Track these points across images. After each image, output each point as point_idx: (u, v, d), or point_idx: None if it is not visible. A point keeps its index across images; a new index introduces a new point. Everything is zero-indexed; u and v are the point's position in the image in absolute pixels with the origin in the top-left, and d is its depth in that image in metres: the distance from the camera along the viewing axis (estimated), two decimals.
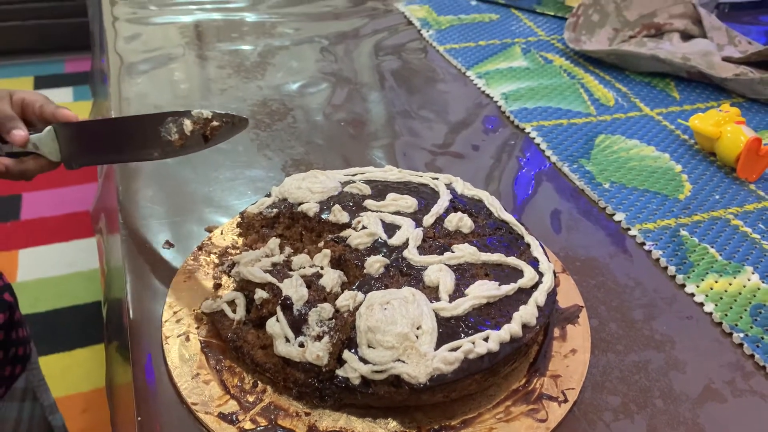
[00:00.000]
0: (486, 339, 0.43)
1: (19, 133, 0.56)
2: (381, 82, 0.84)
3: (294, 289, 0.44)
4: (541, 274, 0.48)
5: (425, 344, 0.42)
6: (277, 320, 0.43)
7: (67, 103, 2.51)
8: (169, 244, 0.55)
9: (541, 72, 0.86)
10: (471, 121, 0.76)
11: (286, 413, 0.42)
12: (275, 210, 0.53)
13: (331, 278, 0.46)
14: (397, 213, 0.53)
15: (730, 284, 0.54)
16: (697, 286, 0.54)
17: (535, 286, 0.47)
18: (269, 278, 0.45)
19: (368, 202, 0.53)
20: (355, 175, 0.58)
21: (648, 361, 0.48)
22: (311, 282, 0.46)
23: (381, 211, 0.53)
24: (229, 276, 0.50)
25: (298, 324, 0.43)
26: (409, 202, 0.54)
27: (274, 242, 0.51)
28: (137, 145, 0.57)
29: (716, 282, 0.55)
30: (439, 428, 0.42)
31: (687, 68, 0.83)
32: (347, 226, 0.51)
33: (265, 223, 0.53)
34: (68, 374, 1.61)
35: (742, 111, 0.78)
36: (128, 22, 0.95)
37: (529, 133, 0.73)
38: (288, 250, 0.50)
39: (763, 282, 0.55)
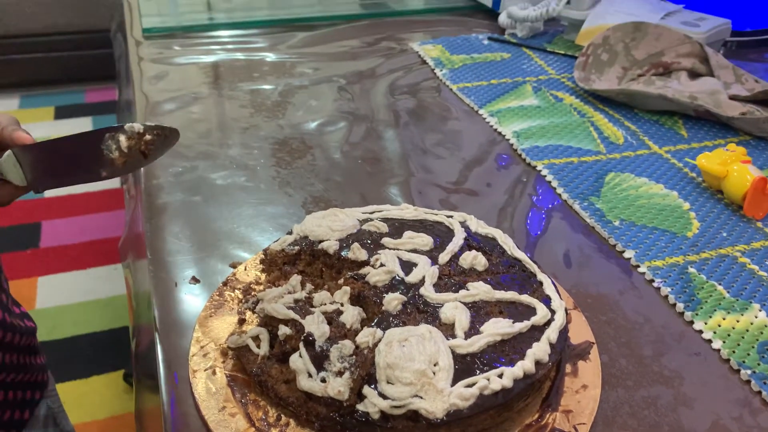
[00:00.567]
0: (500, 375, 0.44)
1: None
2: (396, 120, 0.87)
3: (316, 325, 0.46)
4: (553, 312, 0.50)
5: (442, 380, 0.43)
6: (300, 356, 0.45)
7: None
8: (195, 280, 0.58)
9: (551, 110, 0.88)
10: (484, 159, 0.78)
11: None
12: (297, 247, 0.55)
13: (351, 315, 0.48)
14: (414, 251, 0.55)
15: (738, 321, 0.56)
16: (705, 323, 0.56)
17: (548, 323, 0.49)
18: (292, 315, 0.47)
19: (386, 240, 0.56)
20: (373, 213, 0.60)
21: (657, 397, 0.50)
22: (332, 318, 0.48)
23: (398, 249, 0.55)
24: (253, 312, 0.52)
25: (320, 360, 0.45)
26: (425, 240, 0.56)
27: (295, 279, 0.53)
28: (87, 165, 0.56)
29: (724, 319, 0.56)
30: None
31: (694, 107, 0.85)
32: (366, 263, 0.53)
33: (287, 260, 0.55)
34: (85, 402, 1.63)
35: (749, 149, 0.81)
36: (153, 62, 0.99)
37: (540, 170, 0.76)
38: (309, 286, 0.53)
39: None
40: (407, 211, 0.61)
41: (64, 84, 2.99)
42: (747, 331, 0.55)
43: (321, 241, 0.55)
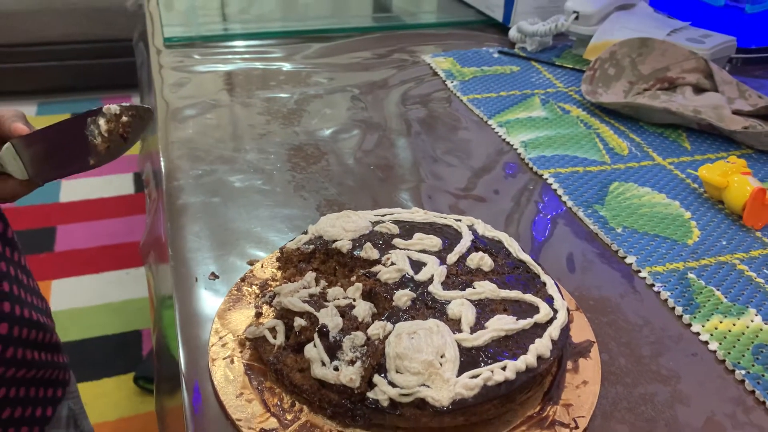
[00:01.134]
0: (504, 368, 0.47)
1: None
2: (408, 129, 0.89)
3: (330, 318, 0.49)
4: (555, 311, 0.52)
5: (448, 371, 0.46)
6: (314, 346, 0.48)
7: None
8: (214, 276, 0.61)
9: (558, 122, 0.91)
10: (492, 167, 0.81)
11: (321, 430, 0.46)
12: (312, 246, 0.58)
13: (363, 309, 0.51)
14: (423, 251, 0.58)
15: (734, 325, 0.58)
16: (703, 326, 0.58)
17: (550, 321, 0.51)
18: (307, 308, 0.50)
19: (396, 241, 0.58)
20: (385, 215, 0.63)
21: (654, 394, 0.52)
22: (345, 312, 0.50)
23: (408, 249, 0.57)
24: (270, 305, 0.54)
25: (333, 350, 0.47)
26: (434, 242, 0.59)
27: (310, 275, 0.55)
28: (77, 154, 0.58)
29: (721, 322, 0.58)
30: None
31: (698, 120, 0.88)
32: (377, 262, 0.56)
33: (302, 258, 0.58)
34: (96, 403, 1.66)
35: (751, 162, 0.83)
36: (174, 70, 1.03)
37: (546, 179, 0.78)
38: (323, 283, 0.55)
39: (765, 323, 0.58)
40: (417, 215, 0.63)
41: (80, 92, 3.06)
42: (743, 334, 0.57)
43: (335, 241, 0.58)
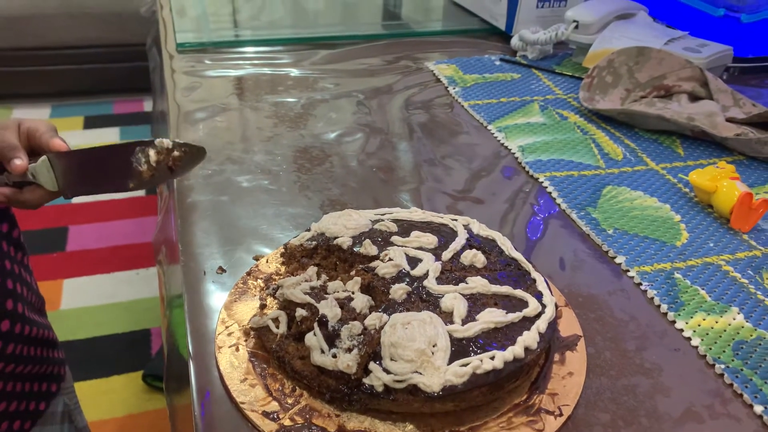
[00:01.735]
0: (492, 358, 0.50)
1: (17, 162, 0.56)
2: (410, 134, 0.93)
3: (329, 308, 0.52)
4: (544, 306, 0.55)
5: (439, 359, 0.49)
6: (314, 335, 0.51)
7: (116, 142, 2.67)
8: (221, 270, 0.64)
9: (556, 127, 0.94)
10: (490, 170, 0.84)
11: (320, 414, 0.49)
12: (314, 243, 0.61)
13: (361, 301, 0.54)
14: (420, 248, 0.61)
15: (717, 322, 0.61)
16: (687, 323, 0.61)
17: (538, 315, 0.54)
18: (308, 299, 0.53)
19: (395, 238, 0.62)
20: (384, 214, 0.66)
21: (637, 386, 0.54)
22: (344, 304, 0.53)
23: (405, 246, 0.61)
24: (273, 297, 0.58)
25: (332, 338, 0.50)
26: (431, 239, 0.62)
27: (312, 270, 0.59)
28: (116, 175, 0.58)
29: (704, 320, 0.61)
30: None
31: (691, 127, 0.91)
32: (376, 258, 0.59)
33: (305, 254, 0.61)
34: (104, 400, 1.70)
35: (742, 168, 0.86)
36: (185, 74, 1.06)
37: (542, 182, 0.81)
38: (324, 277, 0.58)
39: (747, 321, 0.61)
40: (416, 214, 0.66)
41: (93, 95, 3.11)
42: (725, 331, 0.60)
43: (336, 238, 0.61)
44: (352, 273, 0.58)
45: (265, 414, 0.49)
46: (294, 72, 1.09)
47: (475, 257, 0.60)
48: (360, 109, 0.98)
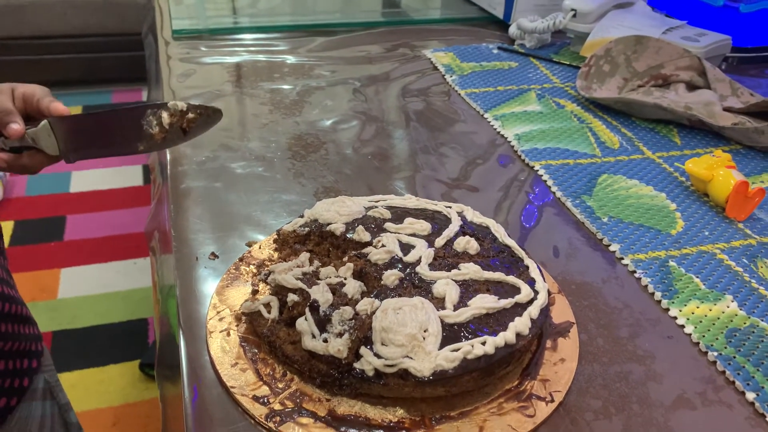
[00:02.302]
0: (483, 343, 0.49)
1: (14, 126, 0.56)
2: (406, 121, 0.92)
3: (321, 294, 0.52)
4: (536, 292, 0.55)
5: (430, 344, 0.49)
6: (306, 319, 0.51)
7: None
8: (214, 256, 0.64)
9: (553, 116, 0.93)
10: (486, 158, 0.84)
11: (310, 398, 0.49)
12: (307, 229, 0.61)
13: (353, 287, 0.53)
14: (413, 235, 0.60)
15: (710, 310, 0.61)
16: (680, 310, 0.60)
17: (531, 302, 0.54)
18: (300, 284, 0.53)
19: (388, 225, 0.61)
20: (378, 201, 0.66)
21: (629, 372, 0.54)
22: (336, 289, 0.53)
23: (399, 233, 0.60)
24: (265, 283, 0.57)
25: (323, 323, 0.50)
26: (424, 226, 0.61)
27: (304, 256, 0.58)
28: (124, 139, 0.58)
29: (698, 307, 0.61)
30: (440, 417, 0.49)
31: (688, 116, 0.90)
32: (369, 244, 0.59)
33: (298, 240, 0.61)
34: (101, 388, 1.70)
35: (739, 157, 0.85)
36: (181, 61, 1.06)
37: (537, 170, 0.81)
38: (317, 263, 0.58)
39: (740, 309, 0.61)
40: (410, 201, 0.66)
41: (92, 84, 3.10)
42: (718, 318, 0.60)
43: (329, 224, 0.61)
44: (345, 259, 0.57)
45: (256, 398, 0.49)
46: (290, 59, 1.09)
47: (468, 244, 0.59)
48: (356, 97, 0.98)
